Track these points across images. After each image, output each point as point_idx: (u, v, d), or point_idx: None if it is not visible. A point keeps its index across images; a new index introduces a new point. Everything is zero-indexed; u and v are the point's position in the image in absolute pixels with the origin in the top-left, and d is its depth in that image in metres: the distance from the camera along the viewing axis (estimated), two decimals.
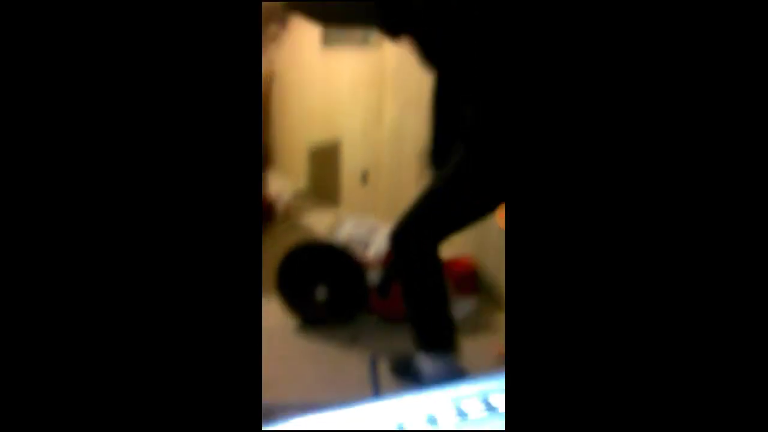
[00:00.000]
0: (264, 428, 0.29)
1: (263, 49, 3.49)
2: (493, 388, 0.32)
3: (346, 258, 2.07)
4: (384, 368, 1.75)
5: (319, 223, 2.97)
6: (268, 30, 3.27)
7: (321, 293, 2.05)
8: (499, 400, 0.31)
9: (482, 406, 0.30)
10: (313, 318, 2.07)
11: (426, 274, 1.60)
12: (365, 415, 0.29)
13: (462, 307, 2.09)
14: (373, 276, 2.11)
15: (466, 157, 1.53)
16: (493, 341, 1.93)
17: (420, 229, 1.56)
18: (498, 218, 2.05)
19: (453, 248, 2.26)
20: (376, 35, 2.44)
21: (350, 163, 3.00)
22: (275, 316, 2.09)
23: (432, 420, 0.28)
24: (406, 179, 2.50)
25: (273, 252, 2.10)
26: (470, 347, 1.75)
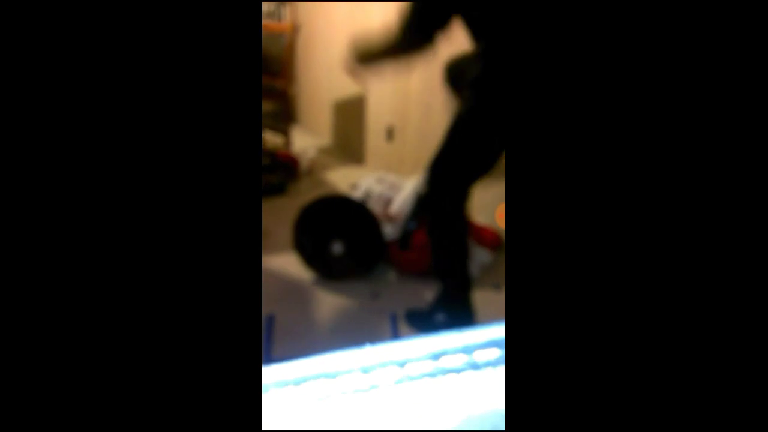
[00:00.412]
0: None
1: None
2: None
3: (361, 212, 2.07)
4: (403, 321, 1.78)
5: (343, 179, 2.96)
6: None
7: (337, 248, 2.07)
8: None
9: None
10: (330, 272, 2.09)
11: (453, 223, 1.63)
12: (379, 354, 0.28)
13: (481, 256, 2.13)
14: (390, 230, 2.12)
15: (474, 103, 1.52)
16: None
17: (447, 172, 1.58)
18: (498, 218, 2.05)
19: (485, 217, 2.23)
20: None
21: (376, 118, 2.95)
22: (295, 270, 2.12)
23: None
24: (435, 135, 2.46)
25: (297, 210, 2.12)
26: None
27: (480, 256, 2.15)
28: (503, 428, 0.28)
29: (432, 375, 0.27)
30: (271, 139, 3.28)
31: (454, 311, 1.70)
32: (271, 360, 1.60)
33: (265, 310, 1.85)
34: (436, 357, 0.28)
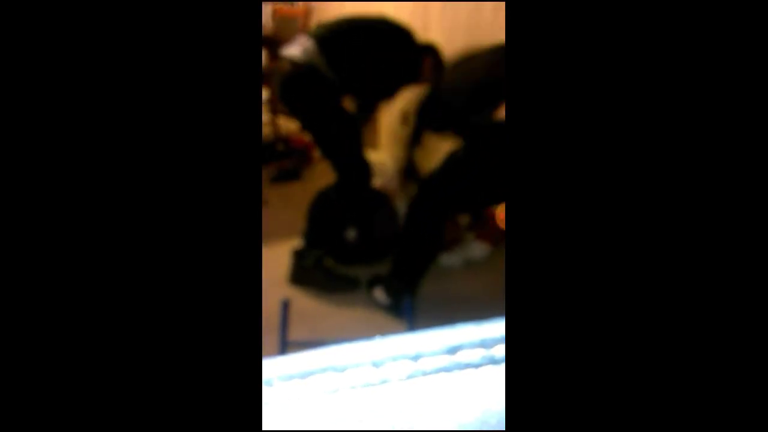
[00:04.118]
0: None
1: None
2: None
3: (376, 197, 2.07)
4: (421, 306, 1.78)
5: None
6: None
7: (351, 233, 2.08)
8: None
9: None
10: (344, 257, 2.10)
11: (431, 241, 1.73)
12: (393, 345, 0.26)
13: (481, 249, 2.21)
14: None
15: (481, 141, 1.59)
16: None
17: (434, 207, 1.66)
18: (498, 218, 2.09)
19: None
20: None
21: (391, 103, 2.92)
22: None
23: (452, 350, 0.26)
24: None
25: (311, 195, 2.12)
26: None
27: (479, 250, 2.21)
28: None
29: (448, 370, 0.26)
30: (285, 124, 3.27)
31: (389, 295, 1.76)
32: (286, 343, 1.61)
33: (281, 294, 1.86)
34: (452, 351, 0.26)
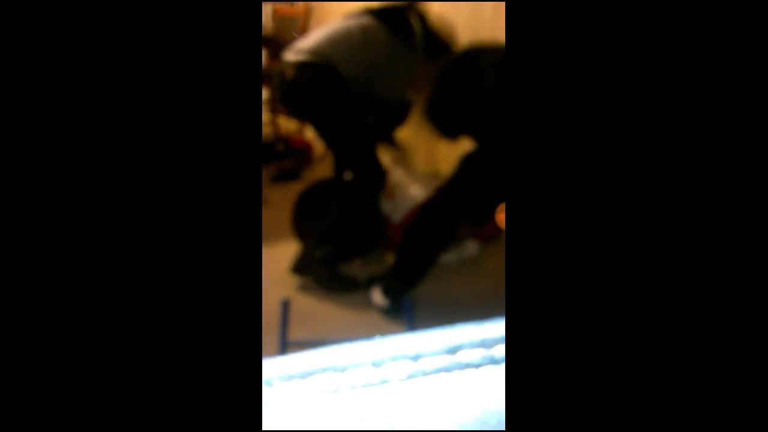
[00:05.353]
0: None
1: None
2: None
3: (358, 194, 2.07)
4: (420, 307, 1.78)
5: None
6: None
7: (337, 230, 2.08)
8: None
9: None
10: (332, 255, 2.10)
11: (439, 245, 1.73)
12: (392, 346, 0.26)
13: (471, 247, 2.22)
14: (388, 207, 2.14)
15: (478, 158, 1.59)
16: None
17: (449, 211, 1.66)
18: (498, 219, 2.09)
19: None
20: None
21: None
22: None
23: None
24: None
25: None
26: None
27: (470, 248, 2.22)
28: None
29: (448, 369, 0.26)
30: (284, 124, 3.27)
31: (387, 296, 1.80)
32: (286, 343, 1.62)
33: (281, 294, 1.86)
34: (452, 351, 0.26)
